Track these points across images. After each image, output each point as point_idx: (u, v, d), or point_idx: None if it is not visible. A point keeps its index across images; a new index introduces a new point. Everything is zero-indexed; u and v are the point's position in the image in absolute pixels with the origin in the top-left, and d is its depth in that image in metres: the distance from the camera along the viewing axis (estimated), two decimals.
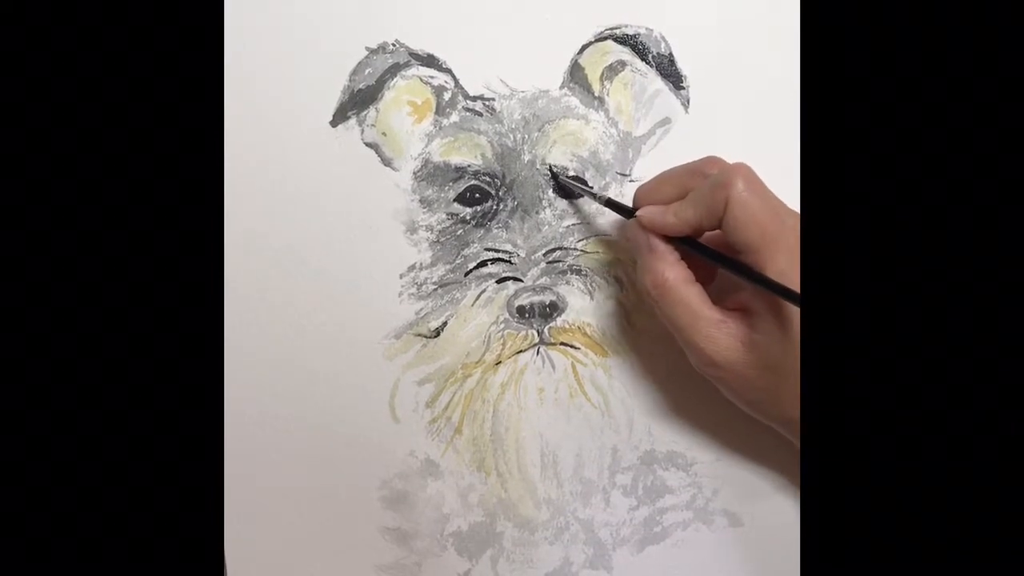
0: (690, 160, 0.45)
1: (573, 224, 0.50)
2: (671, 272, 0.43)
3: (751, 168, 0.42)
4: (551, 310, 0.50)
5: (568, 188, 0.49)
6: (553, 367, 0.51)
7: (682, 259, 0.44)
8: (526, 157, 0.49)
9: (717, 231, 0.43)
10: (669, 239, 0.44)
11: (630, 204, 0.47)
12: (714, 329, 0.42)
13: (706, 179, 0.43)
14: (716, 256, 0.43)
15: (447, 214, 0.49)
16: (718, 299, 0.44)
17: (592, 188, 0.49)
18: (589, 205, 0.50)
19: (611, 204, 0.47)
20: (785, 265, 0.40)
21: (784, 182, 0.42)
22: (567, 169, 0.49)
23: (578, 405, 0.51)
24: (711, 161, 0.44)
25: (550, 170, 0.49)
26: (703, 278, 0.45)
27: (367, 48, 0.48)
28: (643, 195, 0.46)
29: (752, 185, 0.41)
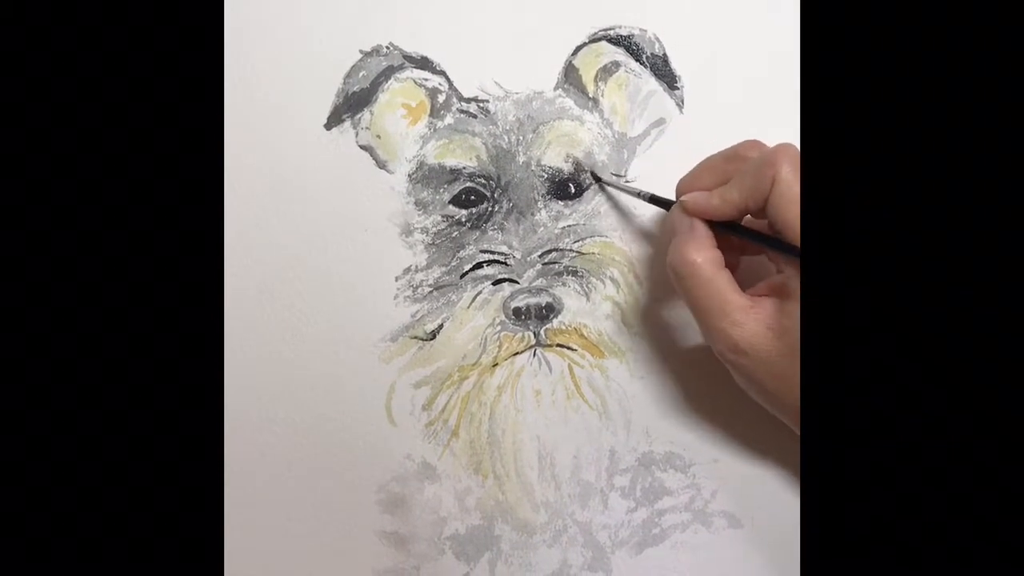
0: (686, 160, 0.46)
1: (568, 225, 0.50)
2: (702, 254, 0.43)
3: (796, 147, 0.41)
4: (547, 312, 0.50)
5: (610, 189, 0.49)
6: (550, 369, 0.51)
7: (718, 246, 0.44)
8: (521, 159, 0.49)
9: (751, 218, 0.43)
10: (711, 224, 0.44)
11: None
12: (741, 314, 0.42)
13: (747, 162, 0.43)
14: (760, 237, 0.43)
15: (442, 216, 0.49)
16: (746, 286, 0.43)
17: (633, 186, 0.49)
18: (585, 205, 0.50)
19: (655, 200, 0.47)
20: None
21: None
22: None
23: (575, 407, 0.51)
24: (751, 144, 0.44)
25: (592, 175, 0.49)
26: (731, 266, 0.44)
27: (361, 51, 0.48)
28: (685, 184, 0.46)
29: (797, 164, 0.40)
